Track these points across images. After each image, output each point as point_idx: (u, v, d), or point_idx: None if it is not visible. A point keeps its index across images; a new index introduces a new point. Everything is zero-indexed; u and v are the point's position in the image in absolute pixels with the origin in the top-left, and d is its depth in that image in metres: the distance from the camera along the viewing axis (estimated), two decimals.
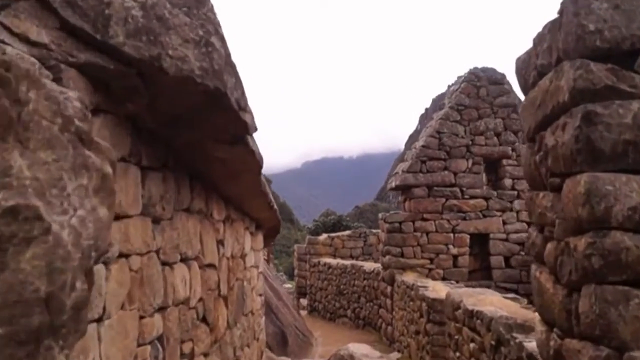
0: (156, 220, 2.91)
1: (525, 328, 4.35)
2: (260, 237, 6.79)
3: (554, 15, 3.14)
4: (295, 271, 22.87)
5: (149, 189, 2.77)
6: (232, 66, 2.54)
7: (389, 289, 11.76)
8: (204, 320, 4.06)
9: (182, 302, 3.48)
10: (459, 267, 11.61)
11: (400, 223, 11.60)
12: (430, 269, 11.56)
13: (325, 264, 17.31)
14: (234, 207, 5.20)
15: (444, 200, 11.67)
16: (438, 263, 11.55)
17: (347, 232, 19.22)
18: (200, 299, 4.00)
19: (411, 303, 9.10)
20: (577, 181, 2.84)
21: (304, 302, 20.28)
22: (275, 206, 5.90)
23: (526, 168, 3.70)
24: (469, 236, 11.67)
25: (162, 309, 3.00)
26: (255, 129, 3.26)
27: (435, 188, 11.64)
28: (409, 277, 10.94)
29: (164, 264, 3.06)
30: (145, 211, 2.70)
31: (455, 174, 11.72)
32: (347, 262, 16.09)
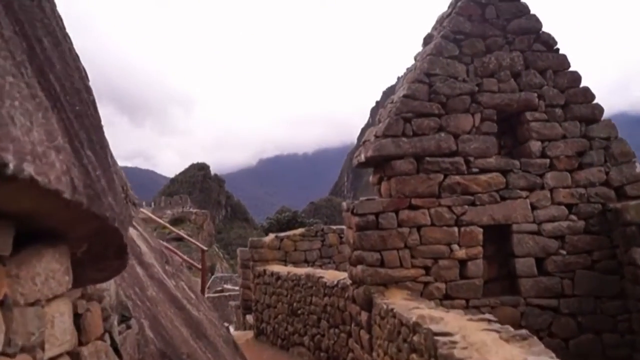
0: None
1: None
2: (47, 265, 2.43)
3: None
4: (240, 280, 18.60)
5: None
6: None
7: (363, 315, 7.65)
8: None
9: None
10: (469, 278, 7.61)
11: (376, 215, 7.50)
12: (425, 283, 7.52)
13: (272, 274, 13.10)
14: None
15: (441, 176, 7.63)
16: (437, 273, 7.52)
17: (300, 231, 15.06)
18: None
19: (414, 356, 5.03)
20: None
21: (250, 319, 16.05)
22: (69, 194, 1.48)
23: None
24: (481, 230, 7.68)
25: None
26: None
27: (428, 159, 7.59)
28: (397, 299, 6.88)
29: None
30: None
31: (456, 136, 7.70)
32: (301, 271, 11.93)
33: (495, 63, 7.84)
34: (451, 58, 7.78)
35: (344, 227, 15.76)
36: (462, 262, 7.63)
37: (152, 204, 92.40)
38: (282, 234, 14.95)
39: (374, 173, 8.45)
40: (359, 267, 7.61)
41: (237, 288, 28.80)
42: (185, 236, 16.90)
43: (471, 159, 7.71)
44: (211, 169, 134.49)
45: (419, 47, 8.78)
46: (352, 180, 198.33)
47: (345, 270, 13.95)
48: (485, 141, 7.77)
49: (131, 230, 8.46)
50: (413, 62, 8.59)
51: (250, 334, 15.32)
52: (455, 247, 7.61)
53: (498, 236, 8.00)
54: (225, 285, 39.11)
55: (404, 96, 7.65)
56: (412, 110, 7.60)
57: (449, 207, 7.63)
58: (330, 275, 10.63)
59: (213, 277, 49.84)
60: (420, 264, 7.53)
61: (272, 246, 14.50)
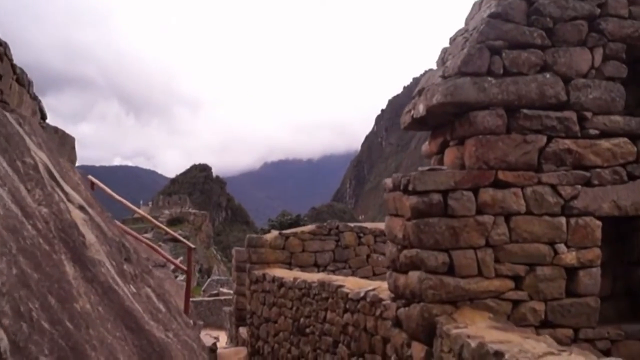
0: None
1: None
2: None
3: None
4: (234, 286, 15.91)
5: None
6: None
7: (416, 349, 4.97)
8: None
9: None
10: (580, 296, 4.96)
11: (444, 194, 4.82)
12: (516, 302, 4.86)
13: (274, 280, 10.44)
14: None
15: (543, 139, 4.97)
16: (534, 286, 4.86)
17: (310, 227, 12.39)
18: None
19: None
20: None
21: (244, 332, 13.38)
22: None
23: None
24: (599, 223, 5.04)
25: None
26: None
27: (525, 111, 4.93)
28: (480, 328, 4.24)
29: None
30: None
31: (566, 80, 5.05)
32: (313, 277, 9.27)
33: None
34: None
35: (363, 224, 13.16)
36: (571, 271, 4.97)
37: (150, 203, 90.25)
38: (288, 231, 12.28)
39: (432, 136, 5.79)
40: (414, 275, 4.94)
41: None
42: (175, 234, 14.20)
43: (588, 114, 5.06)
44: (214, 170, 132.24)
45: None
46: (354, 187, 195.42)
47: (365, 277, 11.32)
48: (609, 90, 5.12)
49: (75, 211, 5.73)
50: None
51: (243, 351, 12.67)
52: (561, 247, 4.95)
53: (616, 233, 5.37)
54: (221, 289, 36.87)
55: (491, 16, 4.99)
56: (504, 37, 4.95)
57: (554, 187, 4.97)
58: (352, 284, 7.97)
59: (209, 279, 48.20)
60: (508, 271, 4.86)
61: (275, 245, 11.84)
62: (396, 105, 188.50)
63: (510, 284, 4.87)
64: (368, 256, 12.17)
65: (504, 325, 4.40)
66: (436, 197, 4.81)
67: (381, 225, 13.00)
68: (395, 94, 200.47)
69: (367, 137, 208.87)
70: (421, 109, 5.29)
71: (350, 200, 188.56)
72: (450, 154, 5.39)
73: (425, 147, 6.02)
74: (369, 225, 12.60)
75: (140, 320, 5.03)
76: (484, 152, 4.88)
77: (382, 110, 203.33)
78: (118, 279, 5.20)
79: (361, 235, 12.21)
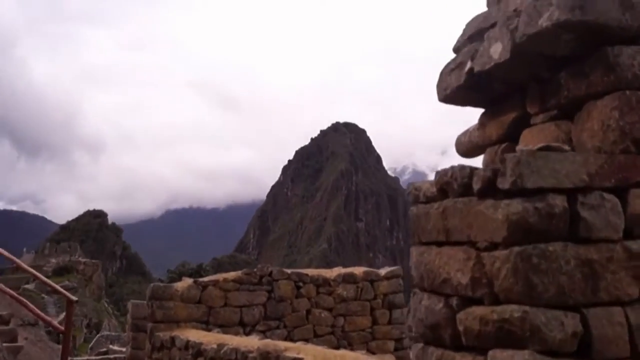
0: None
1: None
2: None
3: None
4: (128, 349, 12.52)
5: None
6: None
7: None
8: None
9: None
10: None
11: (569, 195, 2.48)
12: None
13: (188, 347, 7.52)
14: None
15: None
16: None
17: (235, 274, 9.57)
18: None
19: None
20: None
21: None
22: None
23: None
24: None
25: None
26: None
27: None
28: None
29: None
30: None
31: None
32: (250, 344, 6.48)
33: None
34: None
35: (302, 271, 10.51)
36: None
37: (34, 251, 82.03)
38: (207, 279, 9.40)
39: (490, 113, 3.46)
40: (513, 357, 2.48)
41: (124, 349, 22.41)
42: (54, 285, 10.81)
43: None
44: (110, 217, 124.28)
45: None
46: (258, 237, 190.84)
47: (305, 340, 8.64)
48: None
49: None
50: None
51: None
52: None
53: None
54: (111, 346, 32.34)
55: None
56: None
57: None
58: (316, 357, 5.35)
59: (98, 335, 43.46)
60: None
61: (188, 298, 8.92)
62: (302, 156, 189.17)
63: None
64: (308, 312, 9.54)
65: None
66: (556, 203, 2.43)
67: (325, 272, 10.47)
68: (302, 144, 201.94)
69: (272, 187, 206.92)
70: (497, 52, 2.95)
71: (254, 250, 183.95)
72: (537, 137, 3.07)
73: (471, 134, 3.68)
74: (309, 272, 10.02)
75: None
76: (635, 121, 2.61)
77: (289, 161, 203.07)
78: None
79: (300, 284, 9.60)
